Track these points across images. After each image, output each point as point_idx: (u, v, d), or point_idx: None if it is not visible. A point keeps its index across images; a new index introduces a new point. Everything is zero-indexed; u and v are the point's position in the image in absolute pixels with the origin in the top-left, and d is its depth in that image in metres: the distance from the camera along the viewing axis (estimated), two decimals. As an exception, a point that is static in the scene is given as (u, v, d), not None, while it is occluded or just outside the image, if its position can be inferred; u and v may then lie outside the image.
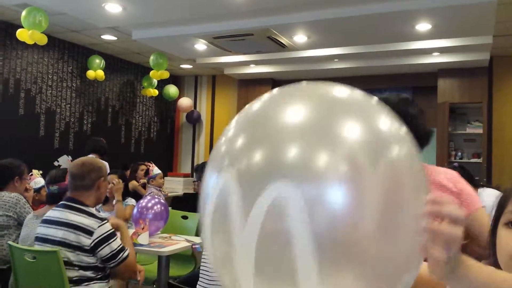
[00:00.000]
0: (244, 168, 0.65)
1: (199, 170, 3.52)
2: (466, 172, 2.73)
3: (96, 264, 2.28)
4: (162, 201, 3.56)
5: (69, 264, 2.26)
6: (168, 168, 8.48)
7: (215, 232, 0.69)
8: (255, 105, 0.73)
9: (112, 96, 7.36)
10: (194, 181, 3.70)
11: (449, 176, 1.61)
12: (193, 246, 3.08)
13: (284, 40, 5.40)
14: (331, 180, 0.61)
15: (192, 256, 3.69)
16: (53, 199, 2.78)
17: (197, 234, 3.72)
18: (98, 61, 6.56)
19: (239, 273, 0.65)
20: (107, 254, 2.25)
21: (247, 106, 0.75)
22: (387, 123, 0.69)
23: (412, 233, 0.64)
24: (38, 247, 2.37)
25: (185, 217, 3.98)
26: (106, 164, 2.93)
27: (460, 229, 0.64)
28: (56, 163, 3.20)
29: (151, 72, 6.44)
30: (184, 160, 8.82)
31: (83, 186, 2.37)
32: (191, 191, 7.19)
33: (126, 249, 2.35)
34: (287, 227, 0.60)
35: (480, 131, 6.27)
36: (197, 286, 2.22)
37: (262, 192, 0.61)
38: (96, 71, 6.49)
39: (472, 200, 1.57)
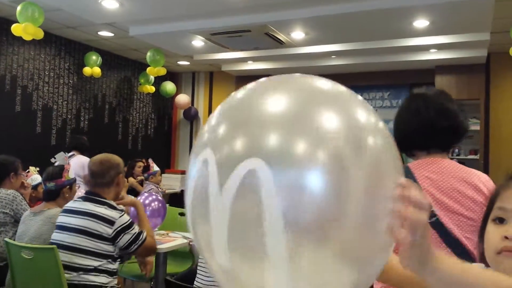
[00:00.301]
0: (223, 151, 0.67)
1: None
2: None
3: (113, 254, 2.36)
4: (159, 198, 3.55)
5: (86, 252, 2.31)
6: (166, 165, 8.47)
7: (195, 215, 0.70)
8: (239, 93, 0.76)
9: (109, 92, 7.34)
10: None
11: (483, 180, 1.56)
12: (190, 243, 3.08)
13: (281, 36, 5.39)
14: (307, 164, 0.62)
15: (189, 253, 3.69)
16: (50, 196, 2.77)
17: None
18: (94, 57, 6.53)
19: (215, 249, 0.66)
20: (127, 241, 2.37)
21: (231, 94, 0.77)
22: (367, 115, 0.72)
23: (387, 216, 0.66)
24: (57, 235, 2.41)
25: (182, 214, 3.97)
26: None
27: (425, 215, 0.66)
28: (52, 160, 3.19)
29: (148, 69, 6.42)
30: (182, 157, 8.81)
31: (103, 183, 2.47)
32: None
33: (143, 232, 2.46)
34: (258, 201, 0.61)
35: (477, 127, 6.28)
36: (195, 282, 2.22)
37: (237, 167, 0.63)
38: (92, 68, 6.46)
39: None
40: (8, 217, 3.06)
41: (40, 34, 4.64)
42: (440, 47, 5.78)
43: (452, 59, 6.08)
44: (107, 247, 2.34)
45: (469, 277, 0.73)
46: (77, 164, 4.82)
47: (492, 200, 0.96)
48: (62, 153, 2.92)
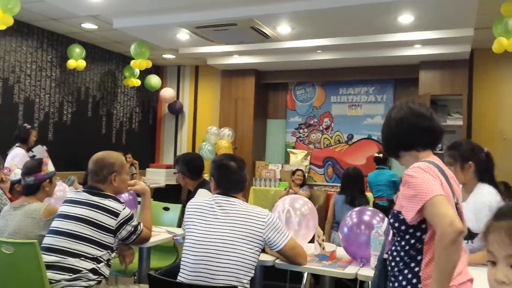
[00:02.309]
0: None
1: (179, 162, 3.48)
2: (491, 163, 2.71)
3: (112, 245, 2.42)
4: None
5: (88, 240, 2.34)
6: (150, 159, 8.42)
7: None
8: None
9: (93, 86, 7.24)
10: (174, 173, 3.65)
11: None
12: (174, 238, 3.06)
13: (267, 30, 5.37)
14: None
15: (173, 248, 3.67)
16: (29, 190, 2.72)
17: (179, 225, 3.69)
18: (78, 50, 6.43)
19: None
20: (128, 232, 2.47)
21: None
22: None
23: None
24: (57, 222, 2.42)
25: (166, 209, 3.94)
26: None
27: None
28: (30, 154, 3.13)
29: (132, 62, 6.31)
30: (167, 151, 8.75)
31: (98, 180, 2.52)
32: (174, 183, 7.15)
33: (140, 223, 2.57)
34: None
35: (460, 122, 6.35)
36: (178, 277, 2.20)
37: None
38: (77, 61, 6.36)
39: None
40: (-12, 212, 3.00)
41: (9, 21, 4.41)
42: (425, 42, 5.82)
43: (436, 54, 6.12)
44: (108, 239, 2.39)
45: None
46: (10, 156, 4.86)
47: (484, 238, 1.00)
48: (40, 146, 2.87)
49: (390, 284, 1.65)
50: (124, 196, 3.41)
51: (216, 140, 7.32)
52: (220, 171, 2.34)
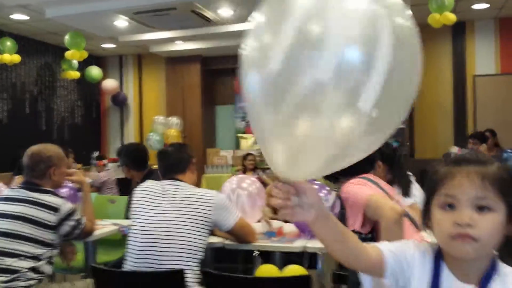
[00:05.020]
0: None
1: (122, 154, 3.36)
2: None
3: (53, 242, 2.30)
4: (69, 184, 3.33)
5: (27, 239, 2.22)
6: (97, 154, 8.13)
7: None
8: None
9: (29, 81, 6.88)
10: (118, 166, 3.53)
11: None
12: (121, 229, 2.96)
13: (208, 14, 5.27)
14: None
15: (122, 240, 3.55)
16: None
17: (126, 217, 3.58)
18: (9, 43, 6.05)
19: None
20: (70, 227, 2.33)
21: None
22: None
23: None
24: None
25: (112, 201, 3.81)
26: None
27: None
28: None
29: (66, 53, 5.95)
30: (113, 144, 8.48)
31: (36, 175, 2.39)
32: (122, 176, 6.94)
33: (83, 217, 2.44)
34: None
35: (403, 97, 6.54)
36: (124, 266, 2.14)
37: None
38: (12, 55, 5.97)
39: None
40: None
41: None
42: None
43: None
44: (48, 236, 2.28)
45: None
46: None
47: (433, 183, 0.97)
48: None
49: None
50: (65, 191, 3.25)
51: (164, 130, 7.17)
52: (159, 159, 2.39)
